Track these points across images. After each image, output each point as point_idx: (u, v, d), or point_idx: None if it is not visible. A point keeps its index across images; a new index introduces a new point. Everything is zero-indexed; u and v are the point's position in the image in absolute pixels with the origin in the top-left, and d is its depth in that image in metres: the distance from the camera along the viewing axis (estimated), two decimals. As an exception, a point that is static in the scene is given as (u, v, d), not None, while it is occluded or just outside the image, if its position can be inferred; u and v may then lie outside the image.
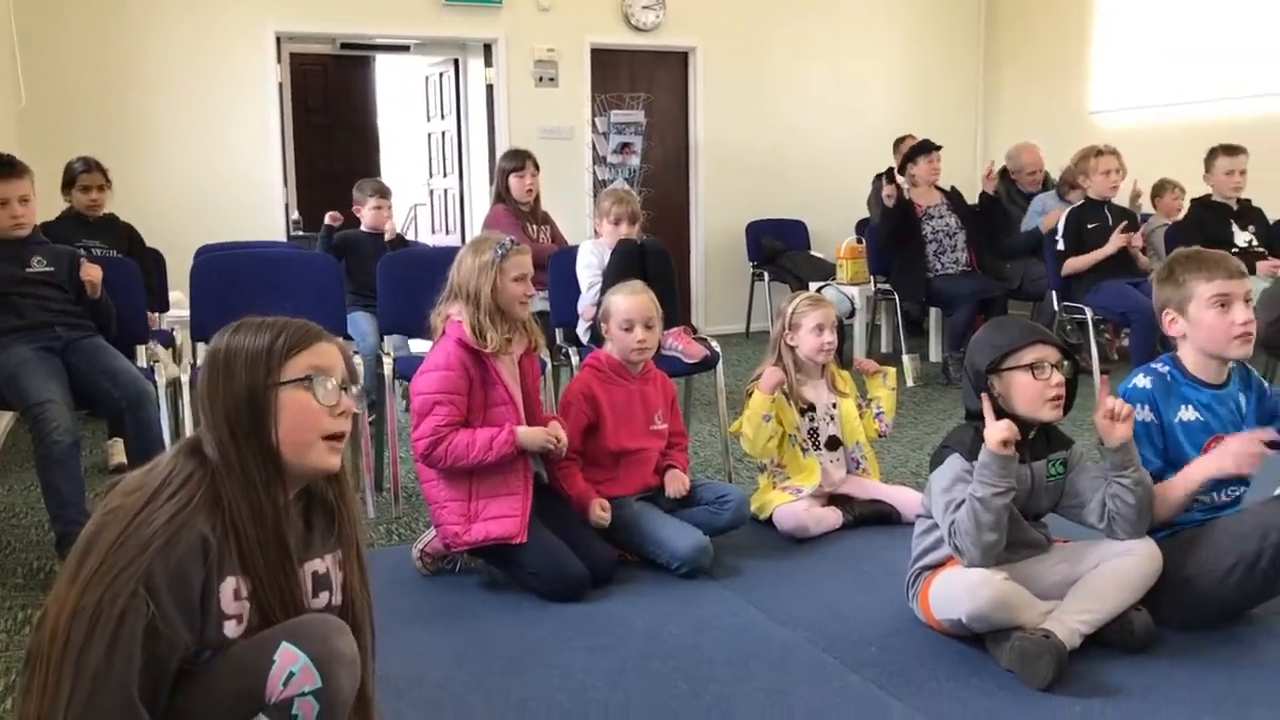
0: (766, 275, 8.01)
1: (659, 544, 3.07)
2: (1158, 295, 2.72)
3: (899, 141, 7.46)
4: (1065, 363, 2.53)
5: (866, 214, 7.56)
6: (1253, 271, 5.18)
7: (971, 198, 6.59)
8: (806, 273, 7.53)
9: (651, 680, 2.41)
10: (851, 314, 6.73)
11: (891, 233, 6.13)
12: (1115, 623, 2.47)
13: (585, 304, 4.31)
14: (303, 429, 1.60)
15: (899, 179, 6.17)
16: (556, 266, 4.49)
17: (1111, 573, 2.48)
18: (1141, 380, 2.66)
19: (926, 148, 6.23)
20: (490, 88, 7.79)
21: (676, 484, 3.24)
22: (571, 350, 4.17)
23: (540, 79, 7.72)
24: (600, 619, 2.77)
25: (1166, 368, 2.68)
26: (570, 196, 7.43)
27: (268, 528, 1.57)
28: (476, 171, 8.35)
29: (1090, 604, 2.46)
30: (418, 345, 4.62)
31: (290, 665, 1.53)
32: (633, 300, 3.30)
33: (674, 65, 8.24)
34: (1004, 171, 7.06)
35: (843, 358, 6.45)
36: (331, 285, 4.08)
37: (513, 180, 5.36)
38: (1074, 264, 5.49)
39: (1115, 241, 5.38)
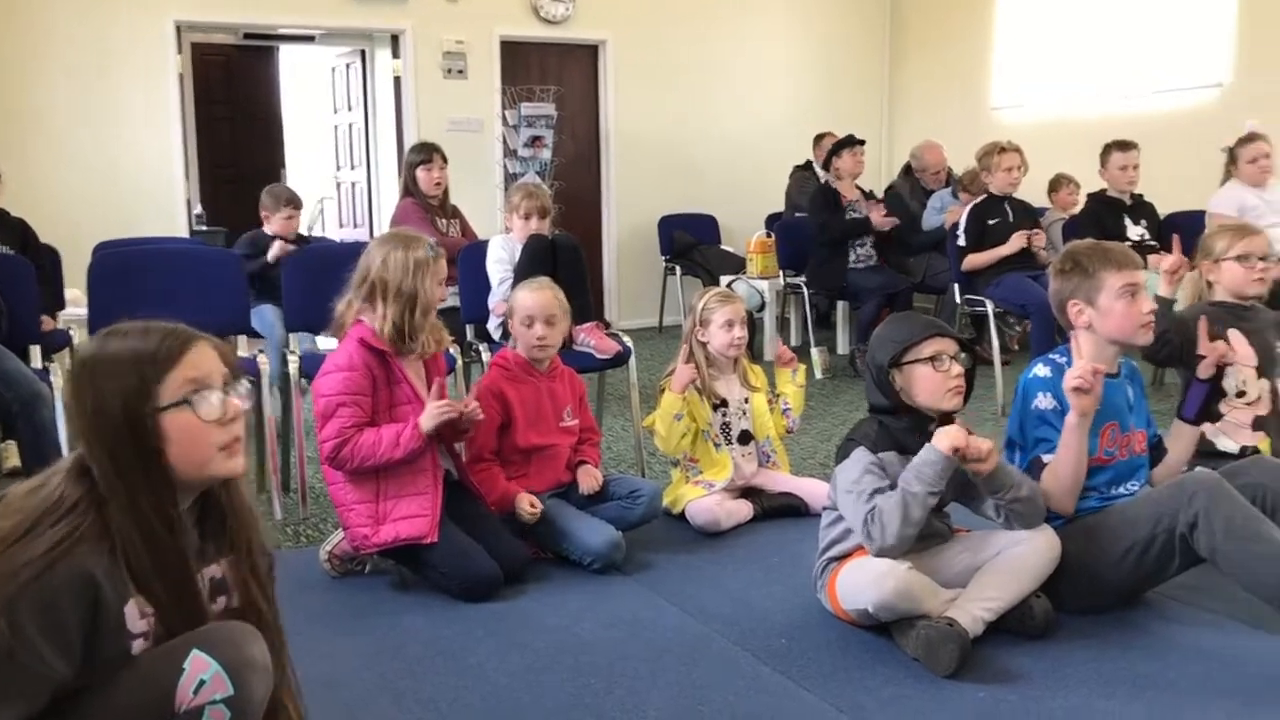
0: (679, 269, 8.05)
1: (571, 540, 3.07)
2: (1060, 287, 2.78)
3: (819, 138, 7.55)
4: (963, 354, 2.59)
5: (776, 208, 7.66)
6: (1145, 265, 5.37)
7: (881, 193, 6.72)
8: (718, 267, 7.59)
9: (564, 677, 2.41)
10: (762, 308, 6.80)
11: (838, 229, 6.21)
12: (1016, 609, 2.53)
13: (496, 300, 4.28)
14: (194, 449, 1.56)
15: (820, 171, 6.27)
16: (466, 262, 4.46)
17: (1012, 561, 2.55)
18: (1041, 370, 2.74)
19: (850, 142, 6.32)
20: (398, 79, 7.69)
21: (589, 480, 3.24)
22: (483, 347, 4.14)
23: (449, 71, 7.64)
24: (512, 617, 2.76)
25: (1064, 358, 2.76)
26: (481, 190, 7.38)
27: (163, 549, 1.53)
28: (385, 164, 8.25)
29: (992, 592, 2.52)
30: (326, 343, 4.55)
31: (200, 673, 1.50)
32: (534, 296, 3.29)
33: (584, 58, 8.23)
34: (907, 168, 7.20)
35: (754, 351, 6.56)
36: (234, 281, 4.00)
37: (420, 174, 5.30)
38: (975, 260, 5.61)
39: (1015, 241, 5.50)
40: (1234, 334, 3.19)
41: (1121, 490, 2.71)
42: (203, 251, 4.79)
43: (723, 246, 8.06)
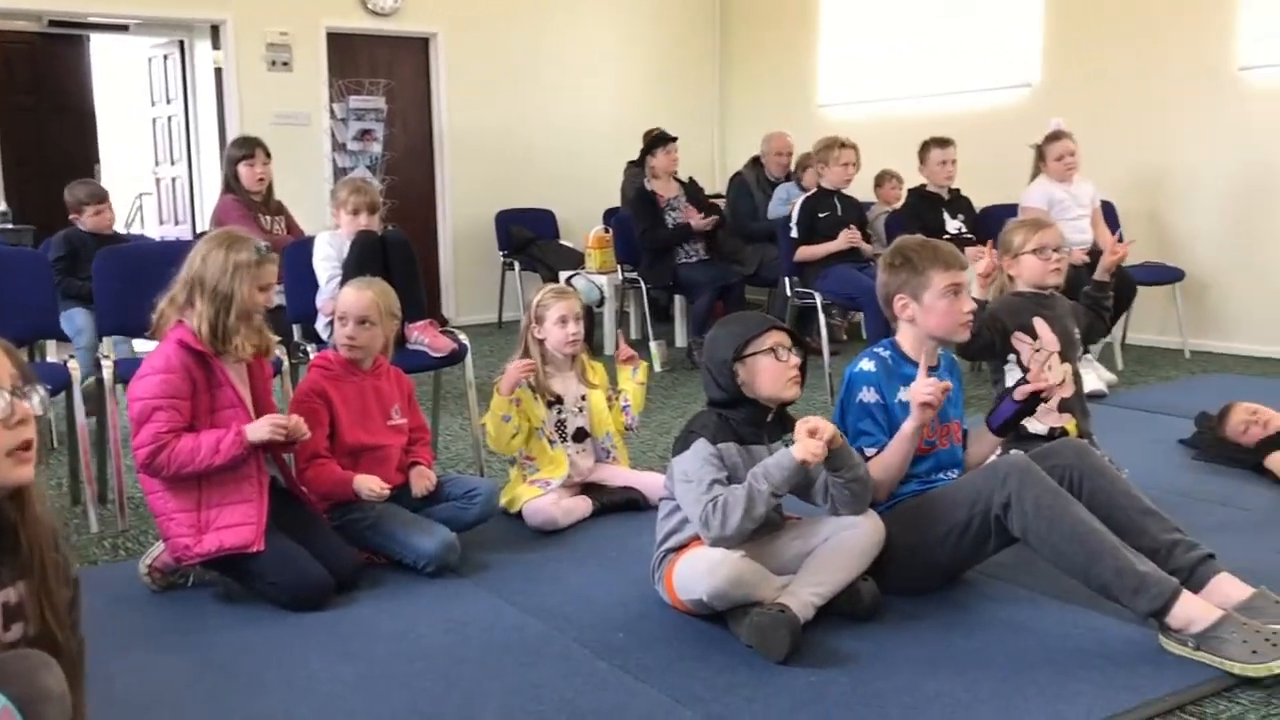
0: (517, 265, 8.00)
1: (404, 544, 3.00)
2: (888, 281, 2.87)
3: (648, 133, 7.60)
4: (795, 347, 2.66)
5: (614, 203, 7.69)
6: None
7: (716, 187, 6.82)
8: (556, 262, 7.58)
9: (399, 684, 2.36)
10: (601, 302, 6.83)
11: (659, 239, 6.27)
12: (845, 593, 2.60)
13: (324, 298, 4.17)
14: None
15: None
16: (292, 259, 4.31)
17: (840, 546, 2.62)
18: (866, 364, 2.82)
19: (664, 139, 6.38)
20: (219, 71, 7.41)
21: (421, 481, 3.19)
22: (310, 347, 4.02)
23: (273, 63, 7.40)
24: (345, 625, 2.69)
25: (887, 351, 2.85)
26: (309, 185, 7.18)
27: None
28: (207, 159, 7.94)
29: (821, 576, 2.58)
30: (142, 346, 4.35)
31: (-12, 709, 1.40)
32: (352, 295, 3.22)
33: (415, 51, 8.09)
34: (755, 159, 7.31)
35: (593, 346, 6.58)
36: (39, 282, 3.79)
37: (242, 169, 5.12)
38: (805, 253, 5.76)
39: (844, 238, 5.67)
40: (1038, 321, 3.36)
41: (941, 477, 2.82)
42: (5, 252, 4.51)
43: (561, 241, 8.06)
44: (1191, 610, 2.37)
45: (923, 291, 2.80)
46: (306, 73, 7.54)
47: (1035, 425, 3.32)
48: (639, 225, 6.33)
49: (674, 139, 6.40)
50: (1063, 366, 3.38)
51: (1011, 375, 3.41)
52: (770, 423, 2.70)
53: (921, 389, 2.63)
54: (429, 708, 2.26)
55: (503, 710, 2.24)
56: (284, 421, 2.82)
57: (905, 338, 2.88)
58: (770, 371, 2.63)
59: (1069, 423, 3.35)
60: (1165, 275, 6.13)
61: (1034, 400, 2.85)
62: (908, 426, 2.69)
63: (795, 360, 2.65)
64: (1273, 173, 6.05)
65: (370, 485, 3.02)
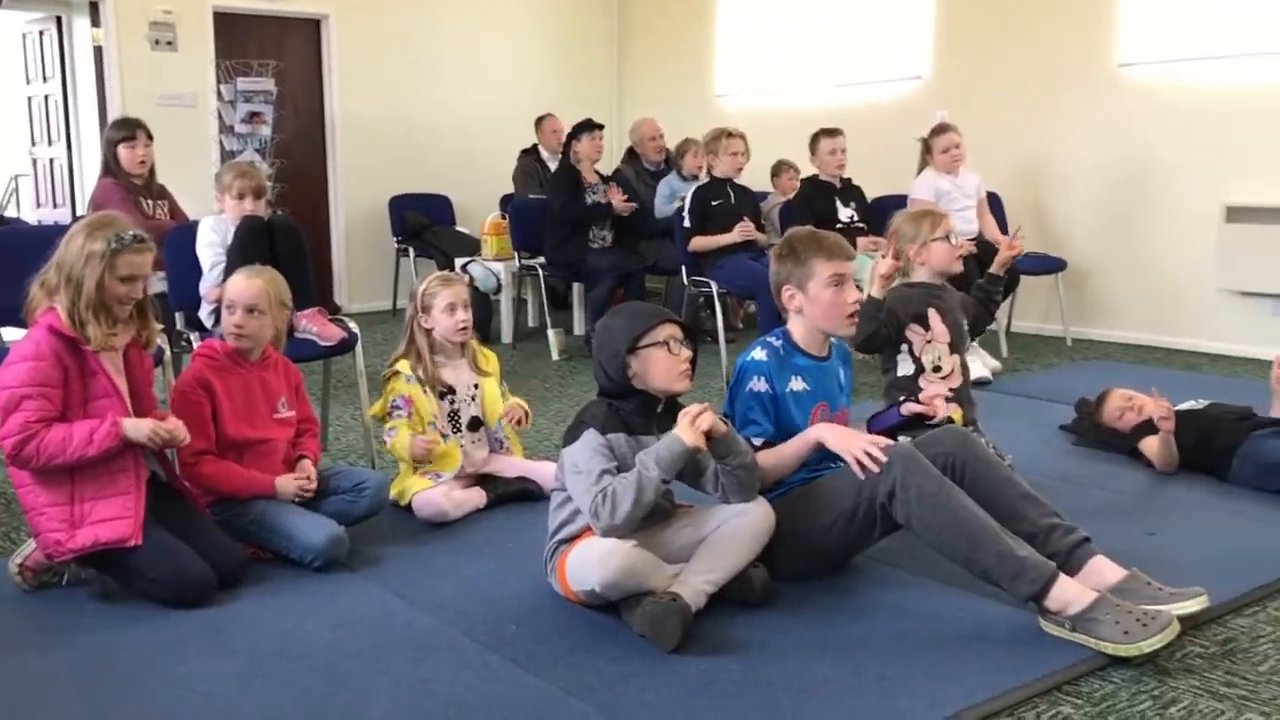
0: (412, 251, 7.88)
1: (290, 538, 2.93)
2: (778, 271, 2.91)
3: (539, 120, 7.56)
4: (687, 340, 2.67)
5: (510, 189, 7.62)
6: (854, 246, 5.70)
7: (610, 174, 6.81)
8: (452, 248, 7.48)
9: (283, 683, 2.31)
10: (498, 290, 6.77)
11: (565, 214, 6.23)
12: (736, 580, 2.63)
13: (207, 285, 4.05)
14: None
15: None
16: (175, 244, 4.18)
17: (731, 533, 2.64)
18: (758, 354, 2.85)
19: (589, 126, 6.37)
20: (99, 49, 7.14)
21: (290, 485, 3.08)
22: (193, 336, 3.90)
23: (157, 42, 7.16)
24: (228, 622, 2.62)
25: (779, 341, 2.89)
26: (195, 168, 6.95)
27: None
28: (87, 140, 7.66)
29: (713, 564, 2.60)
30: (13, 334, 4.17)
31: None
32: (242, 283, 3.13)
33: (306, 33, 7.90)
34: (630, 152, 7.31)
35: (489, 335, 6.53)
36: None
37: (122, 151, 4.94)
38: (700, 243, 5.78)
39: (739, 231, 5.70)
40: (931, 313, 3.43)
41: (829, 466, 2.86)
42: None
43: (457, 228, 7.96)
44: (1068, 593, 2.44)
45: (808, 282, 2.84)
46: (192, 53, 7.31)
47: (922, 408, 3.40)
48: (559, 197, 6.29)
49: (600, 126, 6.40)
50: (952, 357, 3.46)
51: (903, 365, 3.48)
52: (660, 413, 2.71)
53: (855, 448, 2.66)
54: (314, 706, 2.21)
55: (390, 707, 2.21)
56: (165, 432, 2.73)
57: (796, 327, 2.91)
58: (662, 364, 2.63)
59: (955, 412, 3.42)
60: (1048, 265, 6.31)
61: (918, 419, 2.92)
62: (810, 440, 2.74)
63: (687, 353, 2.66)
64: (1150, 166, 6.27)
65: (296, 486, 3.00)
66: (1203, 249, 6.03)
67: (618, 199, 6.28)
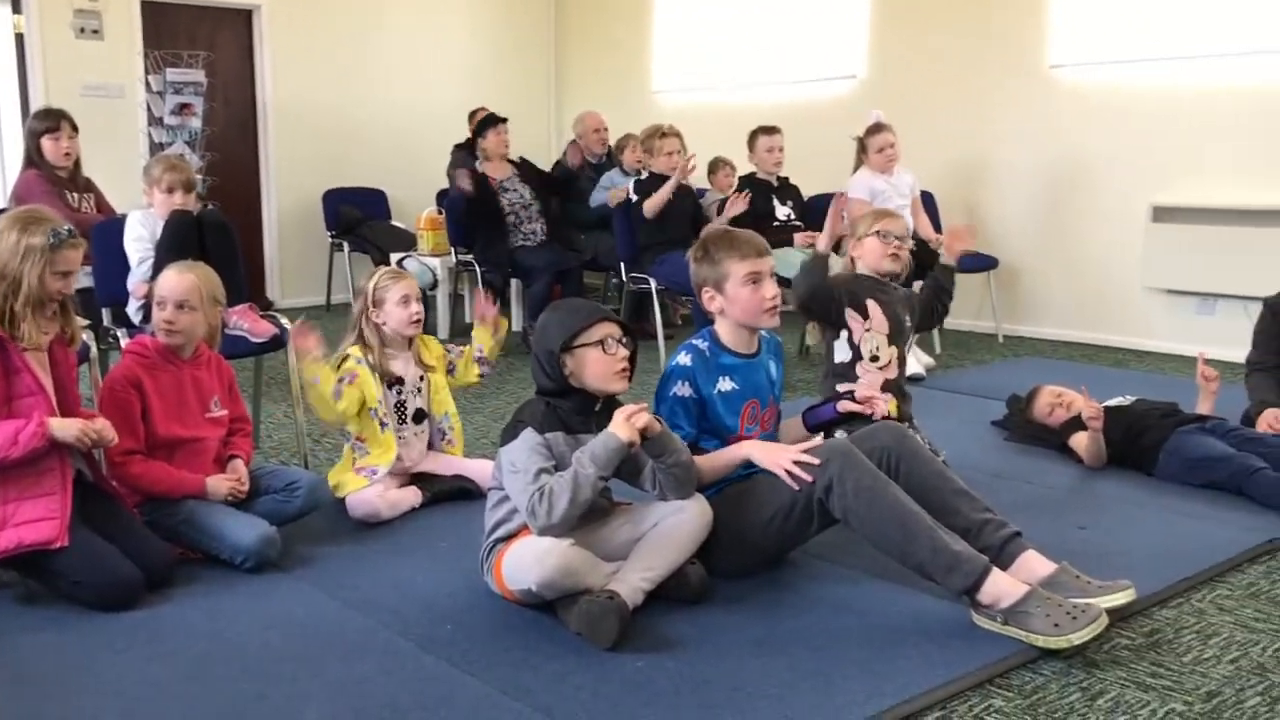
0: (346, 245, 7.78)
1: (221, 538, 2.88)
2: (695, 273, 2.92)
3: (473, 114, 7.50)
4: (626, 338, 2.66)
5: (447, 184, 7.55)
6: (791, 243, 5.74)
7: (549, 168, 6.78)
8: (387, 243, 7.41)
9: (213, 686, 2.27)
10: (434, 285, 6.71)
11: (471, 212, 6.20)
12: (674, 577, 2.63)
13: (135, 281, 3.97)
14: None
15: (473, 170, 6.24)
16: (101, 239, 4.09)
17: (668, 531, 2.64)
18: (683, 358, 2.85)
19: (494, 120, 6.31)
20: (20, 37, 6.94)
21: (223, 486, 3.02)
22: (121, 332, 3.82)
23: (82, 30, 6.99)
24: (156, 625, 2.56)
25: (705, 343, 2.89)
26: (123, 161, 6.80)
27: None
28: (8, 131, 7.42)
29: (650, 562, 2.60)
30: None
31: None
32: (173, 278, 3.07)
33: (237, 24, 7.77)
34: (573, 143, 7.29)
35: (426, 330, 6.45)
36: None
37: (46, 143, 4.82)
38: (651, 203, 5.81)
39: (682, 171, 5.76)
40: (871, 303, 3.46)
41: None
42: None
43: (393, 223, 7.88)
44: (1000, 586, 2.47)
45: (724, 281, 2.84)
46: (119, 42, 7.15)
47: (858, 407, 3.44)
48: (451, 190, 6.29)
49: (503, 120, 6.34)
50: (890, 349, 3.50)
51: (840, 351, 3.52)
52: (598, 412, 2.70)
53: (784, 461, 2.67)
54: (244, 708, 2.17)
55: (323, 709, 2.17)
56: (93, 433, 2.67)
57: (721, 327, 2.92)
58: (598, 364, 2.62)
59: (891, 403, 3.46)
60: (981, 263, 6.40)
61: (854, 417, 2.94)
62: (736, 459, 2.77)
63: (624, 353, 2.65)
64: (1080, 166, 6.39)
65: (229, 486, 2.94)
66: (1130, 248, 6.16)
67: (465, 184, 6.19)
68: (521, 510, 2.55)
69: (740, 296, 2.83)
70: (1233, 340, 5.31)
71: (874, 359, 3.49)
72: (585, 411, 2.68)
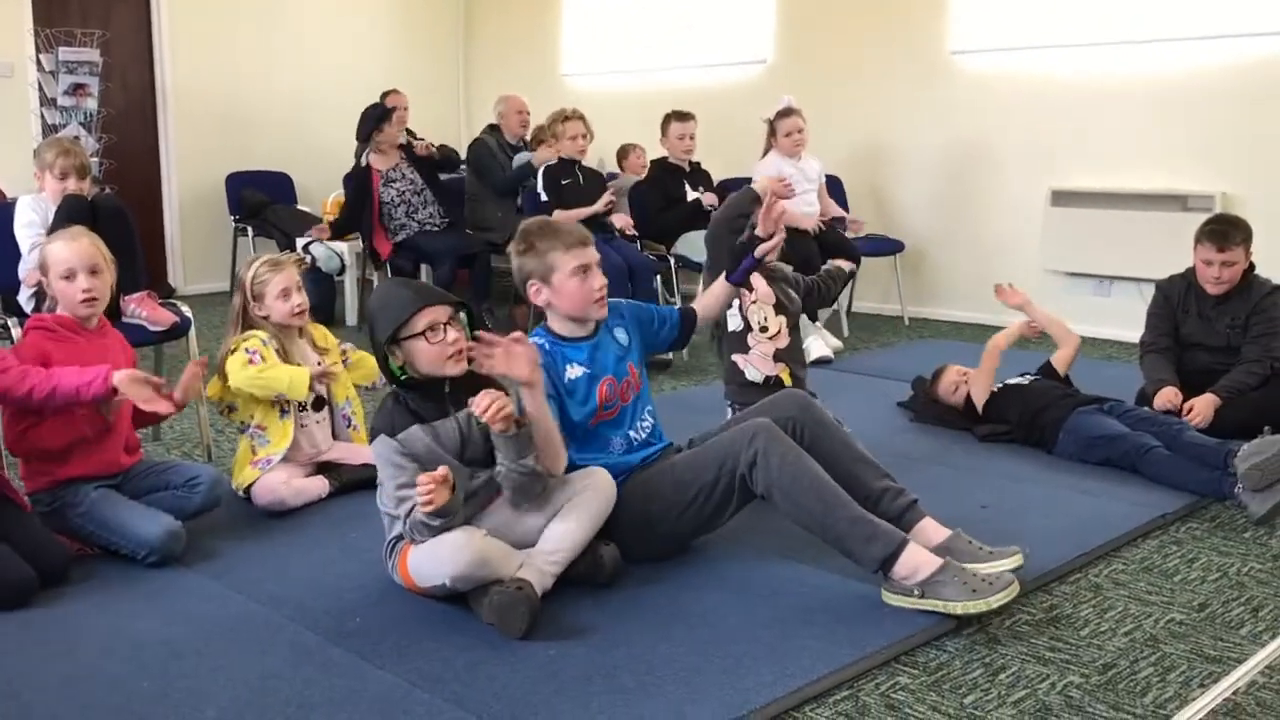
0: (251, 230, 7.60)
1: (123, 532, 2.80)
2: (519, 266, 2.84)
3: (385, 95, 7.37)
4: (461, 315, 2.63)
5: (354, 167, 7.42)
6: (701, 228, 5.76)
7: (461, 152, 6.70)
8: (293, 228, 7.24)
9: (110, 685, 2.21)
10: (342, 270, 6.60)
11: (355, 208, 6.22)
12: (588, 560, 2.63)
13: (28, 269, 3.83)
14: None
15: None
16: (-11, 226, 3.94)
17: (571, 511, 2.63)
18: None
19: (387, 113, 6.27)
20: (-101, 12, 6.65)
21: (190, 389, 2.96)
22: (12, 322, 3.68)
23: (-34, 6, 6.71)
24: (51, 624, 2.49)
25: (543, 339, 2.85)
26: (13, 143, 6.57)
27: None
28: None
29: (556, 544, 2.59)
30: None
31: None
32: (71, 246, 2.96)
33: (134, 2, 7.52)
34: (492, 126, 7.21)
35: (333, 316, 6.37)
36: None
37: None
38: (562, 216, 5.75)
39: (603, 202, 5.71)
40: (755, 277, 3.45)
41: (655, 444, 2.91)
42: None
43: (299, 206, 7.72)
44: (918, 558, 2.52)
45: (551, 274, 2.79)
46: (6, 18, 6.87)
47: (753, 373, 3.54)
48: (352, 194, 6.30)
49: (394, 110, 6.29)
50: (778, 319, 3.57)
51: (733, 321, 3.58)
52: (450, 394, 2.63)
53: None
54: (142, 708, 2.12)
55: (227, 706, 2.13)
56: None
57: (554, 321, 2.89)
58: (426, 353, 2.57)
59: (783, 371, 3.55)
60: (887, 247, 6.50)
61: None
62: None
63: (454, 335, 2.57)
64: (981, 151, 6.52)
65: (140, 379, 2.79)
66: (1030, 231, 6.30)
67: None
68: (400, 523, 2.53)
69: (568, 288, 2.78)
70: (1127, 321, 5.48)
71: (763, 329, 3.56)
72: (435, 398, 2.62)
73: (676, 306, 3.12)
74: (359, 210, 6.22)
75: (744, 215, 3.31)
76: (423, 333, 2.55)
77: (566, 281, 2.77)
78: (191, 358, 3.91)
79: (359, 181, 6.15)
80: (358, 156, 6.63)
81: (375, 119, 6.24)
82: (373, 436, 2.59)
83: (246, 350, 3.26)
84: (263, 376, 3.22)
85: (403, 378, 2.62)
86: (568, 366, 2.82)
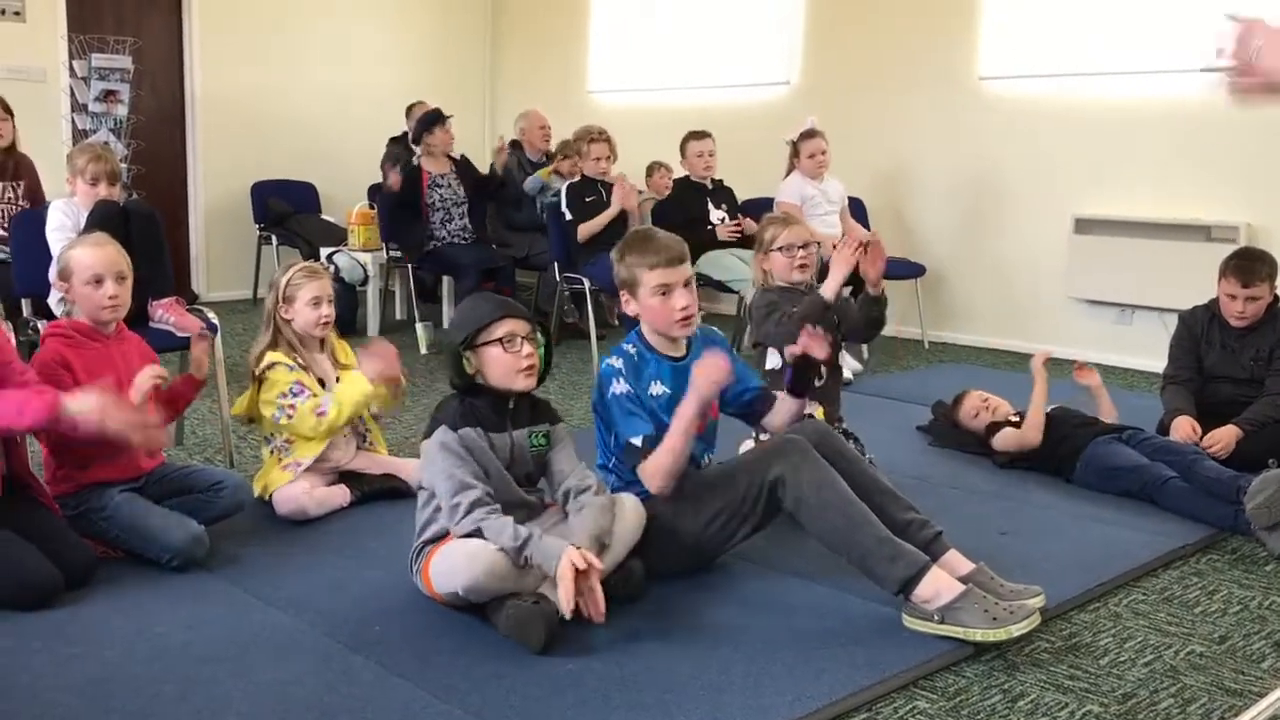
0: (275, 239, 7.66)
1: (147, 536, 2.82)
2: (616, 274, 2.89)
3: (411, 107, 7.43)
4: (537, 334, 2.66)
5: (379, 179, 7.47)
6: (723, 246, 5.81)
7: (485, 167, 6.75)
8: (317, 237, 7.30)
9: (132, 688, 2.22)
10: (365, 281, 6.64)
11: (394, 203, 6.20)
12: (616, 572, 2.62)
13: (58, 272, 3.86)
14: None
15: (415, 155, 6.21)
16: (22, 228, 3.99)
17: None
18: (614, 361, 2.84)
19: (440, 117, 6.29)
20: (-63, 16, 6.74)
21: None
22: (41, 324, 3.72)
23: (2, 12, 6.79)
24: (75, 626, 2.51)
25: (634, 345, 2.88)
26: (45, 147, 6.59)
27: None
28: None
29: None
30: None
31: None
32: (97, 252, 3.00)
33: (166, 9, 7.61)
34: (515, 143, 7.26)
35: (355, 327, 6.40)
36: None
37: (-28, 127, 4.69)
38: (587, 228, 5.82)
39: (619, 197, 5.75)
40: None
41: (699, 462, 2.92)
42: None
43: (323, 216, 7.78)
44: (939, 583, 2.52)
45: (638, 288, 2.83)
46: (41, 24, 6.96)
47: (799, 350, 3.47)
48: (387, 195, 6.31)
49: (449, 116, 6.33)
50: None
51: (771, 359, 3.55)
52: (513, 410, 2.68)
53: (710, 372, 2.64)
54: (163, 711, 2.14)
55: (247, 712, 2.15)
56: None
57: (646, 329, 2.92)
58: (499, 362, 2.61)
59: (818, 409, 3.51)
60: (908, 270, 6.50)
61: (806, 361, 2.88)
62: (684, 415, 2.68)
63: (529, 350, 2.62)
64: (1006, 177, 6.51)
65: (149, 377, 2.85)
66: (1054, 258, 6.29)
67: (393, 179, 6.18)
68: (444, 511, 2.55)
69: (650, 305, 2.82)
70: (1149, 350, 5.46)
71: None
72: (499, 410, 2.66)
73: (759, 383, 3.08)
74: (406, 203, 6.21)
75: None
76: (500, 339, 2.58)
77: (649, 298, 2.80)
78: (217, 363, 3.97)
79: (410, 178, 6.17)
80: (390, 161, 6.67)
81: (428, 122, 6.28)
82: (430, 425, 2.61)
83: (292, 392, 3.25)
84: (340, 419, 3.27)
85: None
86: (652, 382, 2.83)
